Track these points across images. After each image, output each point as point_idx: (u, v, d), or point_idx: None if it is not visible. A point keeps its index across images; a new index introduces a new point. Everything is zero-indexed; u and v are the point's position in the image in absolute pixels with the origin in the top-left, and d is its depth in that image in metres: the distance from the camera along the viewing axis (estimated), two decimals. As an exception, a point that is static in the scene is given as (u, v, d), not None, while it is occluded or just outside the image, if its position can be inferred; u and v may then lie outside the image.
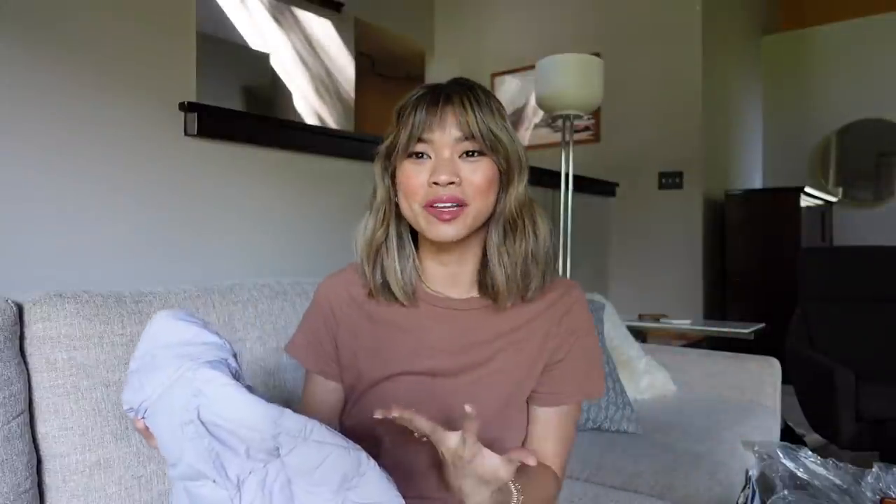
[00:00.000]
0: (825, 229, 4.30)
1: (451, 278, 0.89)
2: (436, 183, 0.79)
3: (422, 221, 0.82)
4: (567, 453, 0.91)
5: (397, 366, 0.88)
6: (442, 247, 0.86)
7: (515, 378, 0.88)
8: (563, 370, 0.89)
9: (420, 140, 0.81)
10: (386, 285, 0.87)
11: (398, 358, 0.88)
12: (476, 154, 0.81)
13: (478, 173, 0.80)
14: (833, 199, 4.44)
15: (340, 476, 0.65)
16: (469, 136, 0.80)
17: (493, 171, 0.82)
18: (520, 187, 0.84)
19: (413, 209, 0.82)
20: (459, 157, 0.81)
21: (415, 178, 0.81)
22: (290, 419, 0.63)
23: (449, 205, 0.79)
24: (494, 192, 0.83)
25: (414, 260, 0.89)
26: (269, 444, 0.63)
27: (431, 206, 0.80)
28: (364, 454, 0.67)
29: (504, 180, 0.84)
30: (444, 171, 0.79)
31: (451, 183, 0.79)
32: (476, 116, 0.79)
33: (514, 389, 0.88)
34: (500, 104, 0.85)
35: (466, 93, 0.81)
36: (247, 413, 0.62)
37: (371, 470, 0.66)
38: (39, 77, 1.46)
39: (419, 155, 0.81)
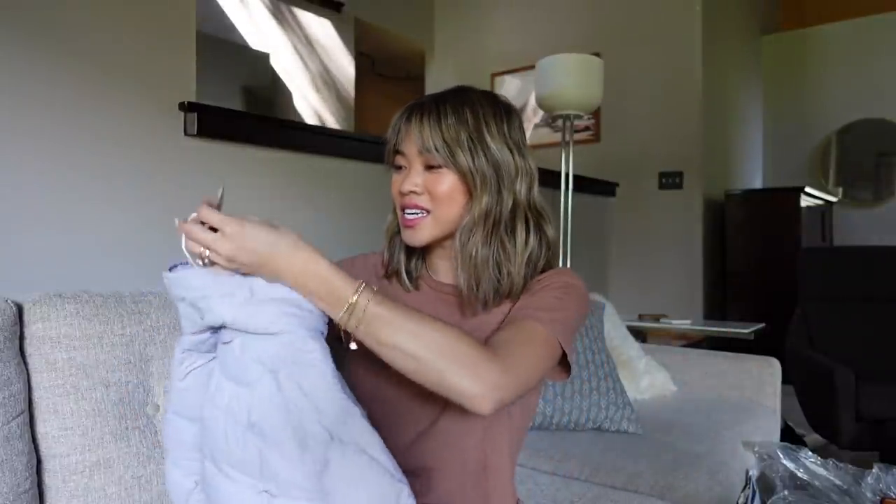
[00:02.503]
0: (825, 229, 4.29)
1: (452, 270, 0.93)
2: (401, 192, 0.89)
3: (400, 225, 0.92)
4: (517, 357, 0.80)
5: None
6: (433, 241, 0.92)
7: None
8: (529, 297, 0.89)
9: (397, 153, 0.89)
10: (395, 271, 0.96)
11: None
12: (438, 167, 0.87)
13: (437, 184, 0.87)
14: (833, 199, 4.44)
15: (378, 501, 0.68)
16: (426, 151, 0.86)
17: (455, 182, 0.87)
18: (484, 199, 0.86)
19: (396, 213, 0.93)
20: (426, 168, 0.87)
21: (394, 186, 0.91)
22: (358, 422, 0.69)
23: (413, 212, 0.89)
24: (461, 201, 0.88)
25: (421, 252, 0.96)
26: (323, 433, 0.68)
27: (402, 213, 0.90)
28: (407, 489, 0.70)
29: (471, 191, 0.87)
30: (408, 181, 0.88)
31: (413, 192, 0.88)
32: (431, 132, 0.85)
33: None
34: (482, 115, 0.86)
35: (433, 108, 0.87)
36: (325, 395, 0.69)
37: None
38: (39, 78, 1.46)
39: (398, 167, 0.90)
